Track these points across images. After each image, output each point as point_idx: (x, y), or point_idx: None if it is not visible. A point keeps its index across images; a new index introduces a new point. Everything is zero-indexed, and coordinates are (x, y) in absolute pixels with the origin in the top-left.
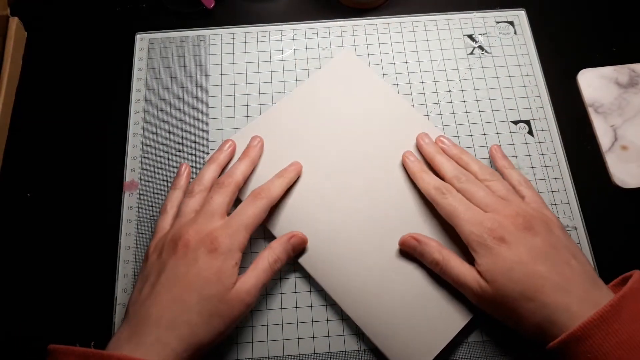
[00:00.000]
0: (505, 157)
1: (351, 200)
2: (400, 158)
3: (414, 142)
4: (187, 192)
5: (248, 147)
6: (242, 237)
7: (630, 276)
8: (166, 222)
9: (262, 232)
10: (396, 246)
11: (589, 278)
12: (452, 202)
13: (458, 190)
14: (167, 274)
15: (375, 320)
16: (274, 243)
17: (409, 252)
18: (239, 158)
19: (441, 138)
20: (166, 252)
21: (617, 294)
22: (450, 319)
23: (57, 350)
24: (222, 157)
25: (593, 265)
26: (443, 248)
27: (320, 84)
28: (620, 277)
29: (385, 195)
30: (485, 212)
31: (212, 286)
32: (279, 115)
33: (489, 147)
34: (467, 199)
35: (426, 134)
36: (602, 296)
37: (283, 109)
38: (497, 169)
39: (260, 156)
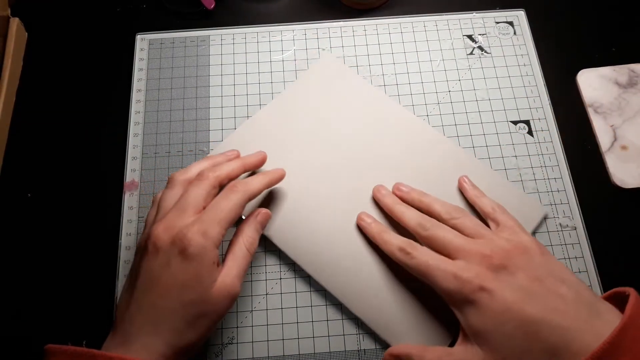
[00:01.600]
0: (474, 186)
1: (345, 201)
2: (388, 155)
3: (402, 139)
4: (168, 183)
5: (247, 155)
6: (215, 233)
7: (624, 293)
8: (151, 215)
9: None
10: None
11: (583, 304)
12: (420, 261)
13: (424, 239)
14: (143, 278)
15: (385, 318)
16: (243, 226)
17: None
18: (233, 159)
19: (398, 185)
20: (140, 252)
21: (616, 326)
22: None
23: (50, 350)
24: (219, 158)
25: (591, 269)
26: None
27: (303, 88)
28: (612, 291)
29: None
30: (456, 258)
31: (192, 290)
32: (262, 123)
33: (488, 148)
34: (436, 247)
35: (382, 186)
36: (602, 324)
37: (265, 118)
38: (469, 200)
39: (256, 166)
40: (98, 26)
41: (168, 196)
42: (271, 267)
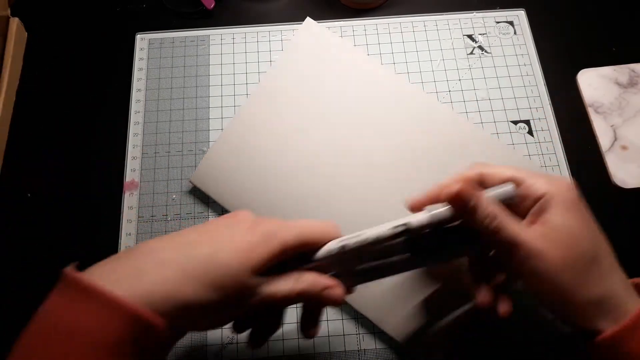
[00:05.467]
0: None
1: (344, 193)
2: (398, 129)
3: (402, 105)
4: None
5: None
6: (290, 240)
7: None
8: None
9: None
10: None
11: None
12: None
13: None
14: (196, 226)
15: (392, 316)
16: (309, 277)
17: (459, 207)
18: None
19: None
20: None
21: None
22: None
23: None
24: None
25: None
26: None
27: (288, 66)
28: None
29: (382, 181)
30: None
31: (226, 254)
32: (252, 113)
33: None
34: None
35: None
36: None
37: (253, 106)
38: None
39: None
40: (98, 26)
41: None
42: None
